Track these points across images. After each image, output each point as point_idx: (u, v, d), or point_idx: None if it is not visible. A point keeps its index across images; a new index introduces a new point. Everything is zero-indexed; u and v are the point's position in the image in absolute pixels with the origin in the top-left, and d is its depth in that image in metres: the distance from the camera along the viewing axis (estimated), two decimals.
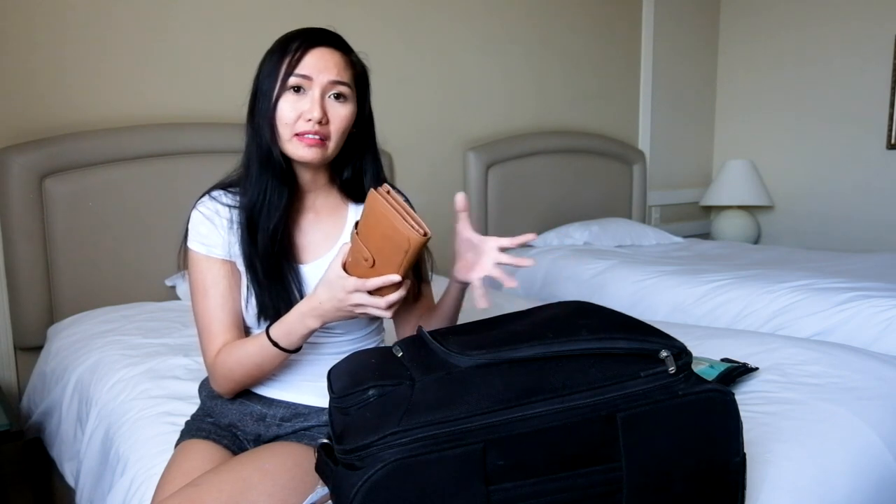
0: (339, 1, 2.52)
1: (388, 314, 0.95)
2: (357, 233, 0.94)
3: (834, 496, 1.05)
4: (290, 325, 1.01)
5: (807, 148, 3.72)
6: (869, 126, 3.48)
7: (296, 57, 1.02)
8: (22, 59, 1.95)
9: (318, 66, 1.03)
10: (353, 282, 0.93)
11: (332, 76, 1.03)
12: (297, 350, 1.04)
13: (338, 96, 1.05)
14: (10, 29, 1.92)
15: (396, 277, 0.92)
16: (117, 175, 2.04)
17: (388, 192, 0.92)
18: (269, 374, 1.08)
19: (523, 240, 1.03)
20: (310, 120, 1.02)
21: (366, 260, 0.93)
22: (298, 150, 1.04)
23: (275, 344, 1.01)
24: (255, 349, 1.04)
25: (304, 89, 1.03)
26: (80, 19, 2.02)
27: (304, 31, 1.06)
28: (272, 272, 1.06)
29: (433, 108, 2.85)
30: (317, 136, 1.03)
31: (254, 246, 1.06)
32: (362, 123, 1.12)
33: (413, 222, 0.89)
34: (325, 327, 1.12)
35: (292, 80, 1.02)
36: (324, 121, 1.03)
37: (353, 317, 0.98)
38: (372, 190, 0.93)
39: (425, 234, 0.89)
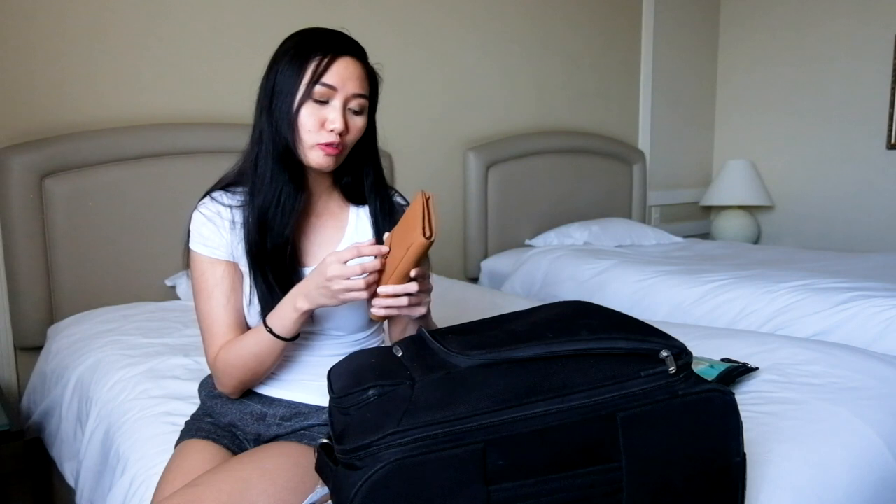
0: (339, 0, 2.52)
1: (364, 295, 0.95)
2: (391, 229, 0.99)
3: (834, 496, 1.05)
4: (282, 309, 1.01)
5: (807, 148, 3.72)
6: (869, 126, 3.48)
7: (322, 65, 1.02)
8: (22, 60, 1.95)
9: (343, 76, 1.03)
10: (334, 266, 0.94)
11: (356, 89, 1.04)
12: (293, 339, 1.04)
13: (357, 108, 1.06)
14: (10, 29, 1.92)
15: (381, 248, 0.95)
16: (117, 175, 2.04)
17: (429, 199, 0.94)
18: (269, 367, 1.07)
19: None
20: (332, 130, 1.02)
21: (384, 255, 0.96)
22: (319, 159, 1.04)
23: (270, 331, 1.01)
24: (253, 340, 1.04)
25: (327, 98, 1.03)
26: (79, 20, 2.02)
27: (326, 36, 1.05)
28: (277, 276, 1.05)
29: (433, 108, 2.85)
30: (337, 148, 1.04)
31: (263, 248, 1.06)
32: (367, 130, 1.12)
33: (426, 225, 0.90)
34: (323, 329, 1.12)
35: (318, 90, 1.02)
36: (344, 132, 1.04)
37: (340, 302, 0.97)
38: (420, 191, 0.96)
39: (429, 238, 0.90)
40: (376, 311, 0.97)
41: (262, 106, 1.07)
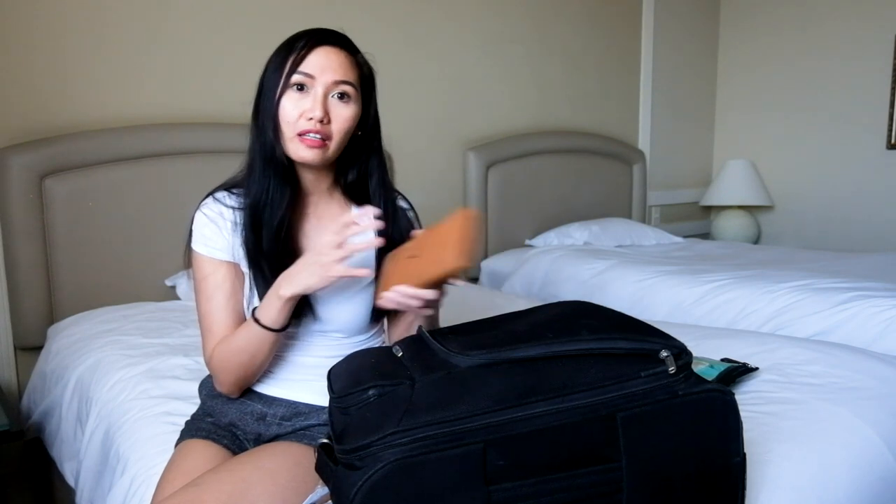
0: (339, 1, 2.52)
1: (352, 271, 0.95)
2: (423, 230, 1.00)
3: (834, 496, 1.05)
4: (267, 300, 1.01)
5: (807, 148, 3.72)
6: (869, 126, 3.48)
7: (300, 55, 1.02)
8: (22, 59, 1.95)
9: (322, 64, 1.02)
10: (329, 237, 0.95)
11: (336, 76, 1.03)
12: (282, 329, 1.03)
13: (341, 96, 1.04)
14: (10, 29, 1.92)
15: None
16: (117, 175, 2.04)
17: (472, 219, 0.95)
18: (262, 363, 1.07)
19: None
20: (311, 119, 1.01)
21: (413, 249, 0.98)
22: (299, 151, 1.03)
23: (258, 322, 1.01)
24: (244, 335, 1.04)
25: (307, 88, 1.03)
26: (79, 19, 2.02)
27: (310, 31, 1.06)
28: (276, 274, 1.05)
29: (433, 108, 2.85)
30: (318, 137, 1.02)
31: (258, 245, 1.06)
32: (367, 125, 1.11)
33: (464, 250, 0.90)
34: (324, 330, 1.12)
35: (295, 78, 1.02)
36: (325, 120, 1.02)
37: (327, 279, 0.96)
38: (467, 210, 0.96)
39: (465, 266, 0.90)
40: (385, 303, 0.97)
41: (254, 106, 1.08)
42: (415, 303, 0.95)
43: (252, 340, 1.03)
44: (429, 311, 0.99)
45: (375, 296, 1.00)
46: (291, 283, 0.98)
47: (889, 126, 3.41)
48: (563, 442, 0.77)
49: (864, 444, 1.17)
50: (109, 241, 2.03)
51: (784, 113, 3.78)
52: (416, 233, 1.03)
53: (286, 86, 1.02)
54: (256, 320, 1.02)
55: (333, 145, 1.05)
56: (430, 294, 0.94)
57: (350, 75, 1.05)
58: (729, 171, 3.75)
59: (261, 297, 1.06)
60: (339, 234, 0.95)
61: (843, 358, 1.50)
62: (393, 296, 0.95)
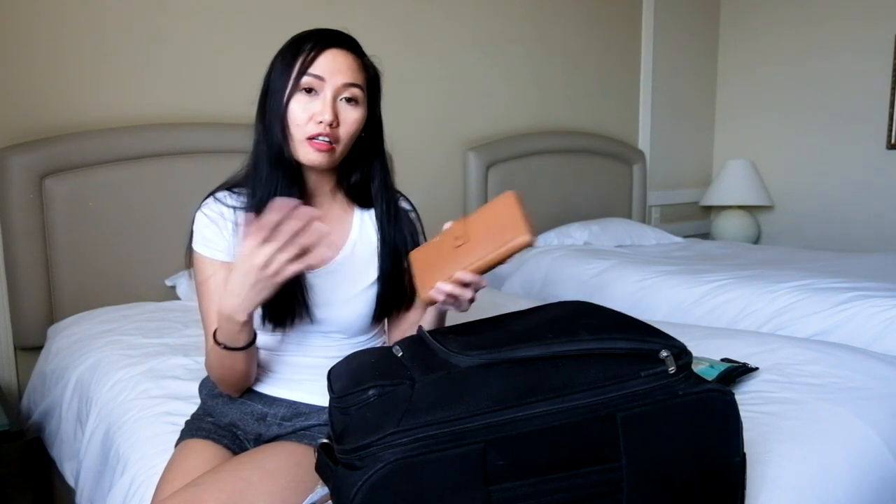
0: (339, 1, 2.52)
1: (298, 266, 0.88)
2: (464, 217, 0.97)
3: (834, 496, 1.05)
4: (223, 326, 0.98)
5: (807, 148, 3.72)
6: (869, 126, 3.48)
7: (309, 57, 1.02)
8: (22, 59, 1.95)
9: (331, 67, 1.02)
10: (259, 253, 0.87)
11: (346, 79, 1.03)
12: (246, 347, 1.01)
13: (349, 99, 1.04)
14: (10, 29, 1.92)
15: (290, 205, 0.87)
16: (117, 175, 2.04)
17: (521, 198, 0.94)
18: (244, 372, 1.06)
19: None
20: (321, 122, 1.01)
21: (457, 238, 0.94)
22: (309, 155, 1.03)
23: (222, 345, 1.00)
24: (217, 352, 1.02)
25: (315, 90, 1.03)
26: (79, 19, 2.02)
27: (318, 32, 1.05)
28: None
29: (433, 108, 2.85)
30: (326, 140, 1.02)
31: None
32: (371, 127, 1.11)
33: (529, 224, 0.90)
34: (325, 331, 1.12)
35: (305, 81, 1.02)
36: (335, 124, 1.03)
37: (278, 285, 0.91)
38: (512, 191, 0.95)
39: (527, 241, 0.89)
40: (436, 295, 0.93)
41: (259, 108, 1.07)
42: (468, 293, 0.93)
43: (222, 358, 1.02)
44: (466, 307, 0.96)
45: (417, 292, 0.95)
46: (241, 307, 0.93)
47: (889, 126, 3.41)
48: (563, 442, 0.77)
49: (864, 444, 1.17)
50: (109, 241, 2.03)
51: (784, 113, 3.78)
52: (450, 224, 0.99)
53: (295, 88, 1.02)
54: (220, 344, 1.00)
55: (340, 148, 1.06)
56: (484, 281, 0.93)
57: (358, 78, 1.05)
58: (729, 171, 3.75)
59: (262, 303, 1.06)
60: (273, 245, 0.87)
61: (843, 358, 1.49)
62: (449, 287, 0.92)
